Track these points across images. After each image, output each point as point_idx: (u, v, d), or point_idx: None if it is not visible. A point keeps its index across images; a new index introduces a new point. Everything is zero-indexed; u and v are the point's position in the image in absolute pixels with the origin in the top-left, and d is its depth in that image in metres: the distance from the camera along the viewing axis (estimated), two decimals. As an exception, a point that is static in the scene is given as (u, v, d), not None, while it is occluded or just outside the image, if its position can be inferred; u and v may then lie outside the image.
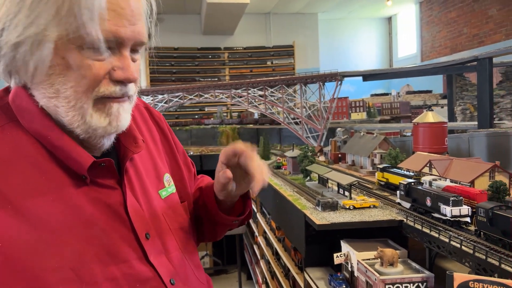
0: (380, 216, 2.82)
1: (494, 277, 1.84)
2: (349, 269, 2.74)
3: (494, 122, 4.77)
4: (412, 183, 2.84)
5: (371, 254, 2.60)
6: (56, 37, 0.87)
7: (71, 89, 0.91)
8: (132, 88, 1.00)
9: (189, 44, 13.98)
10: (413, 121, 4.37)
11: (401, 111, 8.96)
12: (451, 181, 2.91)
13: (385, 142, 4.62)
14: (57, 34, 0.87)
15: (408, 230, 2.65)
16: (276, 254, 4.59)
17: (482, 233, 2.18)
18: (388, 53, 16.96)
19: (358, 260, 2.59)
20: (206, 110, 13.68)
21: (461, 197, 2.42)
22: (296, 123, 6.85)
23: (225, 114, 11.94)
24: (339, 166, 5.13)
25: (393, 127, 6.81)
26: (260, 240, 5.56)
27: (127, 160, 1.09)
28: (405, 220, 2.69)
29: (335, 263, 2.77)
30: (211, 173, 1.38)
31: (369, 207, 3.01)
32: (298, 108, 7.01)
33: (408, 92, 11.69)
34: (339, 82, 6.44)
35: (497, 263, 1.92)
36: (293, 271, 3.56)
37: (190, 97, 7.33)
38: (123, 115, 0.99)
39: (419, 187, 2.76)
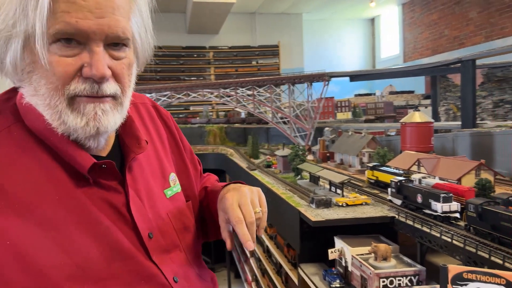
0: (373, 212, 2.92)
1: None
2: (343, 264, 2.83)
3: (477, 122, 4.94)
4: (403, 181, 2.95)
5: (364, 249, 2.69)
6: (24, 33, 0.87)
7: (44, 86, 0.90)
8: (111, 87, 0.94)
9: (174, 42, 13.93)
10: (401, 121, 4.50)
11: (385, 111, 9.15)
12: (440, 179, 3.02)
13: (373, 141, 4.74)
14: (24, 29, 0.87)
15: (400, 226, 2.75)
16: (267, 251, 4.65)
17: (471, 227, 2.29)
18: (371, 53, 17.23)
19: (352, 255, 2.67)
20: (191, 109, 13.65)
21: (451, 194, 2.53)
22: (284, 123, 6.94)
23: (210, 113, 11.96)
24: (327, 165, 5.23)
25: (380, 127, 6.96)
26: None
27: (130, 161, 1.09)
28: (396, 216, 2.79)
29: (329, 259, 2.85)
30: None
31: (361, 204, 3.10)
32: (286, 108, 7.09)
33: (391, 93, 11.92)
34: (327, 83, 6.54)
35: (487, 256, 2.03)
36: (286, 267, 3.63)
37: (178, 96, 7.34)
38: (103, 116, 0.94)
39: (410, 185, 2.87)
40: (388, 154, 4.20)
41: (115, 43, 0.94)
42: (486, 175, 3.09)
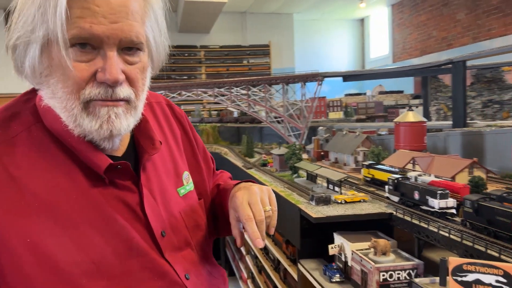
0: (371, 209, 3.01)
1: (482, 261, 2.04)
2: (343, 259, 2.91)
3: (467, 121, 5.08)
4: (401, 178, 3.04)
5: (364, 245, 2.78)
6: (42, 38, 0.90)
7: (61, 90, 0.94)
8: (124, 91, 0.97)
9: (165, 41, 13.89)
10: (394, 120, 4.61)
11: (376, 110, 9.30)
12: (435, 176, 3.13)
13: (367, 140, 4.84)
14: (42, 34, 0.90)
15: (398, 222, 2.84)
16: (264, 248, 4.73)
17: (468, 222, 2.39)
18: (361, 53, 17.42)
19: (352, 251, 2.76)
20: (182, 108, 13.62)
21: (447, 191, 2.63)
22: (278, 122, 7.02)
23: (202, 112, 11.98)
24: (322, 164, 5.31)
25: (372, 126, 7.08)
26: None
27: (144, 161, 1.12)
28: (394, 212, 2.89)
29: (330, 254, 2.93)
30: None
31: (360, 201, 3.19)
32: (279, 107, 7.17)
33: (381, 92, 12.09)
34: (320, 82, 6.64)
35: (483, 249, 2.13)
36: (285, 263, 3.71)
37: (173, 95, 7.36)
38: (116, 120, 0.97)
39: (407, 182, 2.97)
40: (382, 152, 4.31)
41: (129, 47, 0.97)
42: (479, 173, 3.20)
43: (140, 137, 1.15)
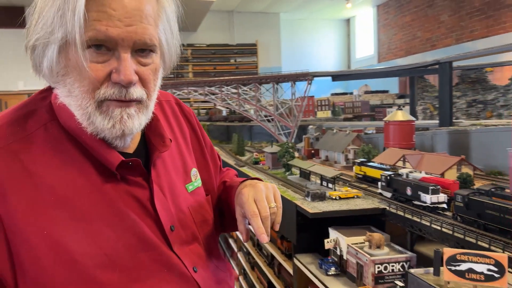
0: (365, 204, 3.11)
1: (473, 252, 2.16)
2: (338, 253, 3.01)
3: (453, 121, 5.25)
4: (393, 175, 3.16)
5: (359, 239, 2.89)
6: (60, 39, 0.94)
7: (78, 89, 0.98)
8: (137, 92, 1.01)
9: (152, 39, 13.84)
10: (384, 119, 4.74)
11: (362, 110, 9.48)
12: (425, 173, 3.25)
13: (358, 139, 4.96)
14: (61, 36, 0.94)
15: (391, 217, 2.96)
16: (257, 245, 4.81)
17: (459, 216, 2.52)
18: (347, 53, 17.64)
19: (348, 244, 2.86)
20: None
21: (438, 186, 2.75)
22: (268, 121, 7.10)
23: (190, 110, 11.97)
24: (313, 162, 5.42)
25: (360, 125, 7.23)
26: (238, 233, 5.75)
27: (154, 158, 1.16)
28: (387, 208, 3.00)
29: (325, 248, 3.03)
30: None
31: (353, 197, 3.30)
32: (269, 106, 7.26)
33: (367, 92, 12.27)
34: (310, 82, 6.75)
35: (474, 241, 2.25)
36: (280, 258, 3.80)
37: (163, 94, 7.37)
38: (129, 120, 1.01)
39: (400, 178, 3.08)
40: (372, 150, 4.43)
41: (142, 49, 1.01)
42: (466, 170, 3.35)
43: (150, 135, 1.19)
